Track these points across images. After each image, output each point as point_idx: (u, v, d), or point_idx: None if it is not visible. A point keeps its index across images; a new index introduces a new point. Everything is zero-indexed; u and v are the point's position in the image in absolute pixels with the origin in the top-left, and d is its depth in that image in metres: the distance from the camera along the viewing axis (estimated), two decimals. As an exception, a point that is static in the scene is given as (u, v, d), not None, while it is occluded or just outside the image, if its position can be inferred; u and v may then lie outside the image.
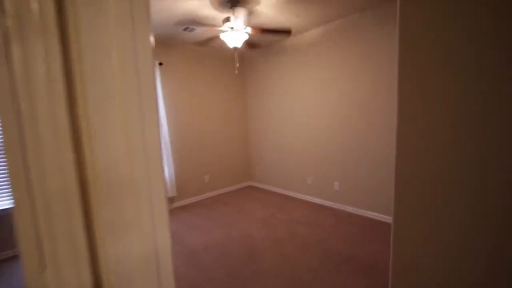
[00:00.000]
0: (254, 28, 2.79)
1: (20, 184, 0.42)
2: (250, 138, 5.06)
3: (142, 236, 0.52)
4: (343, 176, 3.56)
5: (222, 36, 2.72)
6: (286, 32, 2.87)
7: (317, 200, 3.94)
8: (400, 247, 0.88)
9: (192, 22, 2.63)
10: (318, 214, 3.51)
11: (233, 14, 2.59)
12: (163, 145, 3.78)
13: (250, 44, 3.21)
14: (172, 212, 3.88)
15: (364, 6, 2.93)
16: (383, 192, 3.15)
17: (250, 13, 2.55)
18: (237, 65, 2.71)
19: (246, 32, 2.74)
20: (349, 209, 3.53)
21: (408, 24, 0.76)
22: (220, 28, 2.70)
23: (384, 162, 3.10)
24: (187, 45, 4.06)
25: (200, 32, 3.50)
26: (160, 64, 3.73)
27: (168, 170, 3.84)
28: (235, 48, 2.81)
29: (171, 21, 3.01)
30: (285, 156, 4.37)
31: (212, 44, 3.14)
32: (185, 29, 3.35)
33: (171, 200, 4.03)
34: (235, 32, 2.66)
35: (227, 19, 2.61)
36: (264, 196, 4.42)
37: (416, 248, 0.84)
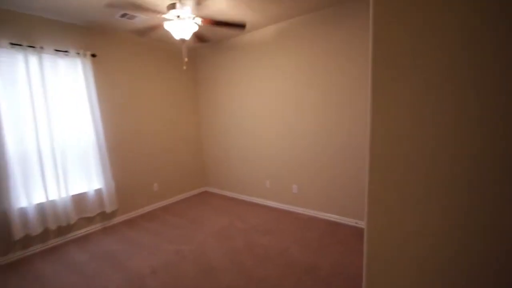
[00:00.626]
0: (204, 19, 2.48)
1: None
2: (204, 140, 4.71)
3: None
4: (302, 179, 3.47)
5: (167, 26, 2.34)
6: (240, 26, 2.63)
7: (276, 205, 3.80)
8: (373, 250, 0.82)
9: (128, 5, 2.20)
10: (278, 220, 3.36)
11: (179, 0, 2.25)
12: (95, 151, 3.21)
13: (199, 37, 2.87)
14: (114, 229, 3.34)
15: (320, 5, 2.84)
16: (342, 194, 3.13)
17: (199, 3, 2.24)
18: (186, 60, 2.39)
19: (195, 23, 2.41)
20: (309, 212, 3.46)
21: (382, 35, 0.71)
22: (164, 16, 2.33)
23: (343, 163, 3.08)
24: (128, 35, 3.53)
25: (143, 21, 3.04)
26: (93, 55, 3.16)
27: (104, 180, 3.28)
28: (183, 41, 2.46)
29: (102, 3, 2.52)
30: (242, 159, 4.14)
31: (153, 34, 2.72)
32: (122, 16, 2.87)
33: (111, 215, 3.47)
34: (182, 22, 2.31)
35: (172, 6, 2.25)
36: (221, 202, 4.13)
37: (391, 250, 0.79)
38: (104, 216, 3.40)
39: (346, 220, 3.13)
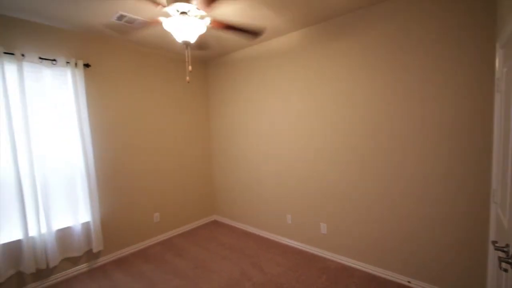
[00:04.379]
0: (214, 21, 1.95)
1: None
2: (214, 162, 4.12)
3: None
4: (333, 216, 2.76)
5: (167, 24, 1.82)
6: (255, 33, 2.10)
7: (300, 246, 3.09)
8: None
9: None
10: (304, 268, 2.65)
11: (183, -9, 1.73)
12: (83, 176, 2.68)
13: (198, 42, 2.37)
14: (102, 270, 2.75)
15: (347, 7, 2.25)
16: (389, 240, 2.40)
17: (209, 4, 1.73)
18: (190, 69, 1.83)
19: (203, 23, 1.88)
20: (341, 259, 2.73)
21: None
22: (165, 9, 1.81)
23: (390, 199, 2.37)
24: (127, 42, 3.08)
25: (143, 24, 2.57)
26: (87, 65, 2.70)
27: (92, 211, 2.73)
28: (187, 45, 1.92)
29: (101, 13, 2.05)
30: (257, 185, 3.50)
31: (145, 28, 2.22)
32: (119, 19, 2.39)
33: (99, 253, 2.89)
34: (186, 19, 1.78)
35: (173, -2, 1.73)
36: (232, 238, 3.46)
37: None
38: (90, 255, 2.82)
39: (392, 276, 2.37)
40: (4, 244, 2.25)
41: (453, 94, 1.98)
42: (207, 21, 1.94)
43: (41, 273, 2.48)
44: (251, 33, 2.12)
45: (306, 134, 2.91)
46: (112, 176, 2.98)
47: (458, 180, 2.00)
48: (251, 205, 3.61)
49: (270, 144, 3.28)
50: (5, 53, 2.19)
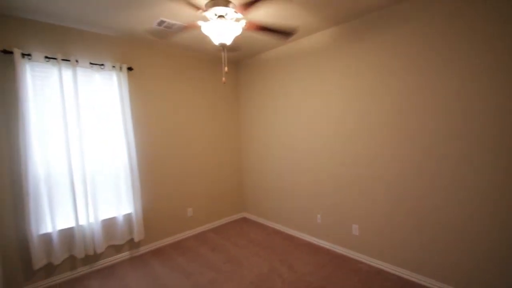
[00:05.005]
0: (249, 22, 2.01)
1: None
2: (244, 159, 4.21)
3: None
4: (366, 217, 2.70)
5: (205, 28, 1.92)
6: (288, 33, 2.12)
7: (330, 246, 3.05)
8: None
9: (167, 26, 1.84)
10: (334, 268, 2.62)
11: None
12: (127, 171, 2.90)
13: (231, 44, 2.43)
14: (141, 259, 2.96)
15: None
16: (427, 244, 2.29)
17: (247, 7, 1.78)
18: (225, 69, 1.92)
19: (239, 25, 1.95)
20: (374, 263, 2.66)
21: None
22: (203, 13, 1.90)
23: (430, 200, 2.26)
24: (165, 46, 3.27)
25: (181, 29, 2.71)
26: (130, 69, 2.91)
27: (134, 204, 2.94)
28: (223, 46, 2.00)
29: (139, 11, 2.22)
30: (287, 183, 3.52)
31: (183, 32, 2.33)
32: (159, 24, 2.55)
33: (140, 243, 3.11)
34: (224, 23, 1.86)
35: (213, 2, 1.82)
36: (261, 235, 3.52)
37: None
38: (132, 244, 3.05)
39: (430, 282, 2.26)
40: (60, 230, 2.52)
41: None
42: (243, 23, 2.01)
43: (89, 258, 2.74)
44: (284, 33, 2.14)
45: (344, 134, 2.87)
46: (151, 172, 3.18)
47: None
48: (281, 204, 3.64)
49: (300, 144, 3.28)
50: (63, 59, 2.45)
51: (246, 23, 2.03)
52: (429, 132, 2.20)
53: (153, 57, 3.17)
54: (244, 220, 4.15)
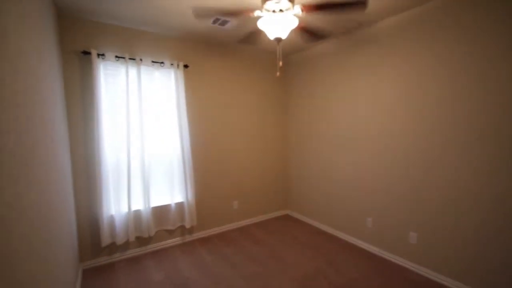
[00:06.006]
0: (305, 6, 1.89)
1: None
2: (290, 156, 4.16)
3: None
4: (424, 224, 2.45)
5: (260, 24, 1.91)
6: (358, 2, 1.78)
7: (381, 253, 2.85)
8: None
9: (216, 12, 1.88)
10: (384, 276, 2.45)
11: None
12: (180, 163, 3.09)
13: (308, 31, 2.18)
14: (191, 246, 3.14)
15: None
16: (483, 254, 1.99)
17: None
18: (280, 64, 1.88)
19: (295, 15, 1.90)
20: (432, 276, 2.40)
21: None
22: (257, 14, 1.91)
23: (489, 207, 1.96)
24: (218, 44, 3.37)
25: (234, 26, 2.77)
26: (186, 66, 3.08)
27: (186, 193, 3.12)
28: (278, 41, 1.98)
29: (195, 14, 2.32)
30: (334, 183, 3.38)
31: (252, 41, 2.33)
32: (214, 22, 2.65)
33: (190, 230, 3.31)
34: (278, 16, 1.84)
35: (268, -3, 1.80)
36: (305, 234, 3.46)
37: None
38: (183, 230, 3.26)
39: (509, 308, 1.96)
40: (123, 214, 2.80)
41: None
42: (297, 9, 1.90)
43: (143, 240, 2.99)
44: (354, 3, 1.82)
45: (398, 133, 2.65)
46: (202, 164, 3.35)
47: None
48: (326, 204, 3.52)
49: (350, 143, 3.11)
50: (130, 58, 2.70)
51: (302, 8, 1.89)
52: (502, 132, 1.89)
53: (206, 55, 3.30)
54: (287, 217, 4.12)
